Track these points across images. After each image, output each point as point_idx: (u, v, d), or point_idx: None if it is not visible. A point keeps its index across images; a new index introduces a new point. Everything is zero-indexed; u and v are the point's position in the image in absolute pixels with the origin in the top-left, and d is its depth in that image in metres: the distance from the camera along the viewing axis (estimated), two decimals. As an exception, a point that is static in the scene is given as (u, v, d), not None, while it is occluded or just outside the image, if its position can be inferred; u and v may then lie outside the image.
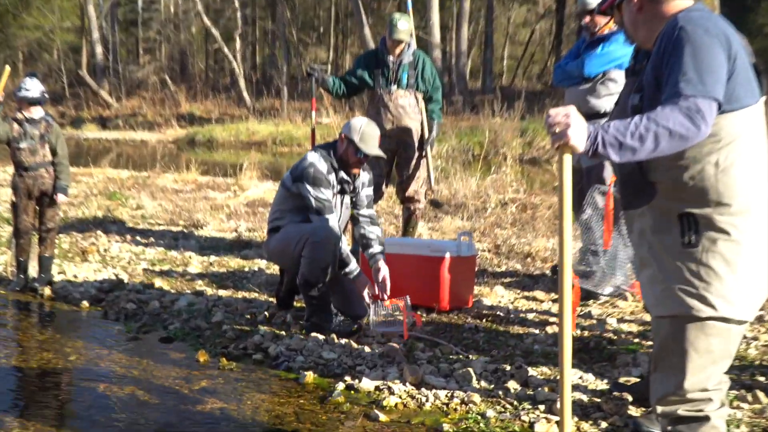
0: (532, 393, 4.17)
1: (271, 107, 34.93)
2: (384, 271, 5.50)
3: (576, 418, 3.84)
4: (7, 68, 6.80)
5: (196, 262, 7.74)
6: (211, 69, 48.75)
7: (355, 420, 3.95)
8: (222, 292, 6.52)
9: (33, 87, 6.77)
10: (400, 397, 4.19)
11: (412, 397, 4.18)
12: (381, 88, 7.14)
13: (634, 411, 3.92)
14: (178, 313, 5.95)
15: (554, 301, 6.23)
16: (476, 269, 6.60)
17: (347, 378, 4.46)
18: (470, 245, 5.97)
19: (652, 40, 2.88)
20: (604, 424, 3.79)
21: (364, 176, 5.80)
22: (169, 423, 3.94)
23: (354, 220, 5.84)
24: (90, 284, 6.83)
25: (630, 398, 4.03)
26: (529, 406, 4.03)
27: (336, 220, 5.43)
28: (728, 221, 2.69)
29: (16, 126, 6.77)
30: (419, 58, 7.20)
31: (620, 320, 5.60)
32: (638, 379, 4.31)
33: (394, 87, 7.13)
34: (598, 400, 4.07)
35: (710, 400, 2.79)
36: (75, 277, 7.14)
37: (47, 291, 6.73)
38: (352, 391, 4.32)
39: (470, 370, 4.44)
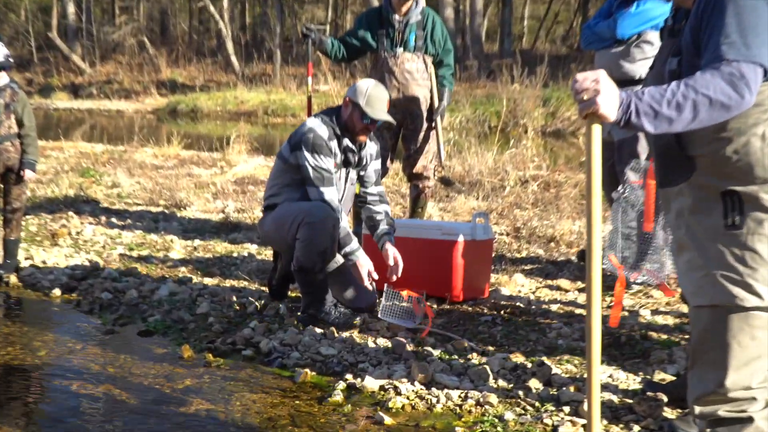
0: (555, 393, 4.18)
1: (263, 73, 34.89)
2: (394, 252, 5.51)
3: (605, 422, 3.84)
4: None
5: (178, 247, 7.75)
6: (195, 30, 48.62)
7: (357, 423, 3.96)
8: (208, 281, 6.53)
9: (-4, 50, 6.75)
10: (408, 397, 4.19)
11: (422, 398, 4.19)
12: (385, 51, 7.11)
13: (669, 413, 3.92)
14: (159, 303, 5.96)
15: (581, 290, 6.23)
16: (493, 255, 6.60)
17: (348, 376, 4.47)
18: (486, 228, 5.97)
19: (691, -2, 2.87)
20: (636, 428, 3.79)
21: (372, 147, 5.79)
22: (148, 426, 3.95)
23: (360, 199, 5.83)
24: (61, 271, 6.84)
25: (665, 399, 4.03)
26: (553, 408, 4.03)
27: (335, 194, 5.41)
28: (777, 200, 2.69)
29: (-24, 94, 6.75)
30: (429, 17, 7.17)
31: (654, 312, 5.60)
32: (674, 378, 4.31)
33: (400, 50, 7.10)
34: (630, 401, 4.08)
35: (754, 400, 2.79)
36: (44, 263, 7.15)
37: (13, 278, 6.74)
38: (354, 391, 4.32)
39: (486, 367, 4.45)
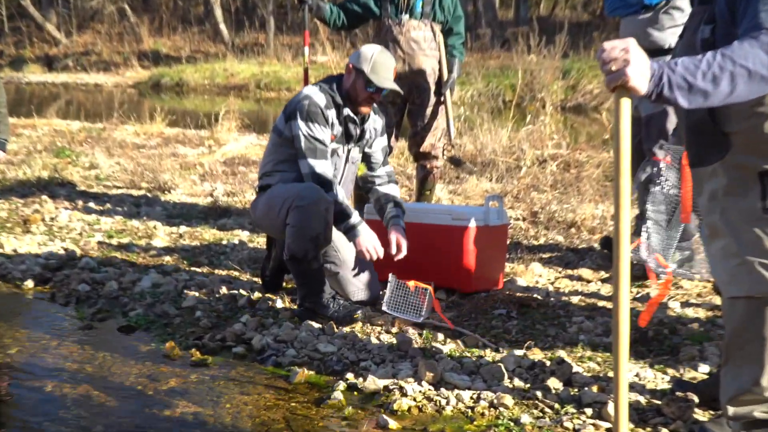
0: (576, 394, 4.18)
1: (255, 43, 34.82)
2: (397, 236, 5.53)
3: (631, 425, 3.84)
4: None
5: (162, 234, 7.75)
6: (181, -4, 48.60)
7: (358, 427, 3.96)
8: (195, 270, 6.53)
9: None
10: (415, 399, 4.19)
11: (430, 399, 4.19)
12: (389, 18, 7.09)
13: (700, 415, 3.92)
14: (141, 296, 5.96)
15: (604, 280, 6.22)
16: (508, 242, 6.60)
17: (349, 376, 4.47)
18: (500, 212, 5.96)
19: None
20: (664, 431, 3.79)
21: (377, 121, 5.78)
22: (130, 431, 3.95)
23: (367, 183, 5.82)
24: (34, 260, 6.84)
25: (696, 399, 4.03)
26: (573, 410, 4.03)
27: (329, 168, 5.40)
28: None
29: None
30: (437, -20, 7.16)
31: (685, 304, 5.60)
32: (706, 376, 4.31)
33: (405, 16, 7.08)
34: (658, 402, 4.07)
35: (794, 400, 2.79)
36: (15, 251, 7.15)
37: (-19, 269, 6.75)
38: (356, 392, 4.33)
39: (501, 365, 4.45)
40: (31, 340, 5.19)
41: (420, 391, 4.25)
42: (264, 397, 4.34)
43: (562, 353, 4.71)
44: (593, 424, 3.85)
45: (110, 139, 14.04)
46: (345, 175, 5.63)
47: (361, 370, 4.57)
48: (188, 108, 22.27)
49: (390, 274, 5.41)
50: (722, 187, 2.83)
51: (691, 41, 3.00)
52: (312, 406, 4.20)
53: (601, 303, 5.69)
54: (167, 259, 6.89)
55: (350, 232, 5.39)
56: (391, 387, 4.31)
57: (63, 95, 27.72)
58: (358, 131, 5.63)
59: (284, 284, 6.03)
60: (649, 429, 3.83)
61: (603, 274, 6.34)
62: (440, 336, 5.03)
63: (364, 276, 5.60)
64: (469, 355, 4.74)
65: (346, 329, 5.14)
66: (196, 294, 5.92)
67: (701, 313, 5.41)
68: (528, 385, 4.32)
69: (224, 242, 7.45)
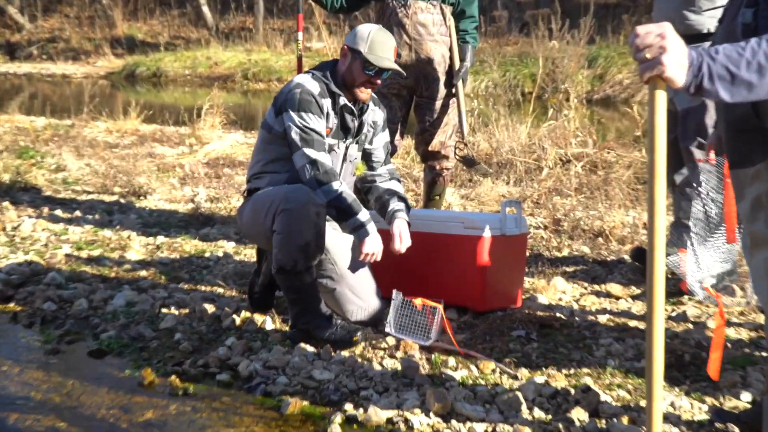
0: (604, 426, 4.18)
1: (242, 27, 34.86)
2: (400, 228, 5.53)
3: (666, 462, 3.84)
4: None
5: (137, 246, 7.76)
6: (158, -25, 48.71)
7: (358, 464, 3.96)
8: (174, 287, 6.53)
9: None
10: (422, 432, 4.19)
11: (438, 433, 4.18)
12: (394, 0, 7.10)
13: (745, 450, 3.91)
14: (114, 315, 5.96)
15: (636, 297, 6.22)
16: (528, 253, 6.60)
17: (348, 407, 4.47)
18: (519, 220, 5.96)
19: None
20: (704, 469, 3.79)
21: (377, 114, 5.78)
22: (102, 469, 3.95)
23: (366, 183, 5.81)
24: (-8, 276, 6.85)
25: (737, 430, 4.02)
26: (601, 445, 4.03)
27: (328, 159, 5.39)
28: None
29: None
30: (447, -43, 7.17)
31: (725, 323, 5.59)
32: (749, 405, 4.31)
33: (411, -2, 7.09)
34: (697, 435, 4.08)
35: None
36: (-28, 266, 7.17)
37: (-66, 286, 6.75)
38: (355, 425, 4.33)
39: (519, 394, 4.44)
40: (-11, 367, 5.19)
41: (428, 424, 4.25)
42: (252, 430, 4.34)
43: (588, 380, 4.71)
44: (623, 461, 3.85)
45: (79, 137, 14.06)
46: (342, 176, 5.61)
47: (361, 400, 4.57)
48: (167, 102, 22.30)
49: (394, 291, 5.41)
50: (766, 191, 2.83)
51: (731, 26, 3.00)
52: (306, 441, 4.21)
53: (632, 323, 5.69)
54: (143, 273, 6.89)
55: (359, 231, 5.37)
56: (395, 419, 4.31)
57: (26, 87, 27.77)
58: (356, 124, 5.62)
59: (275, 302, 6.03)
60: (686, 466, 3.83)
61: (634, 290, 6.35)
62: (451, 361, 5.03)
63: (366, 293, 5.59)
64: (483, 382, 4.74)
65: (345, 353, 5.13)
66: (176, 314, 5.92)
67: (743, 334, 5.41)
68: (549, 417, 4.32)
69: (207, 255, 7.45)
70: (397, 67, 5.56)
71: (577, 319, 5.75)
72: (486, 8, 28.93)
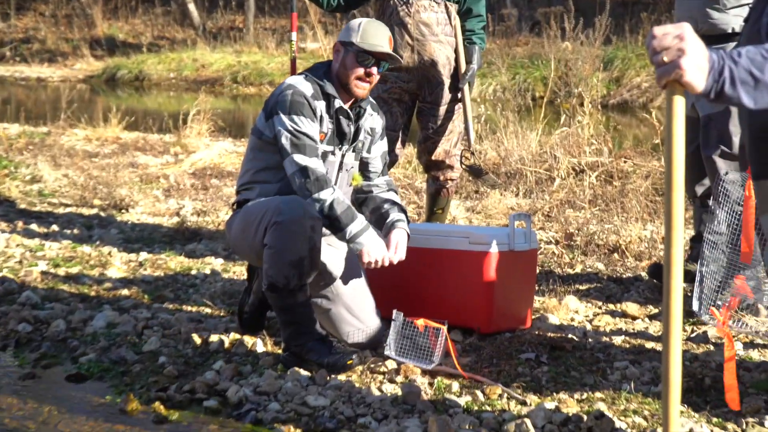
0: (619, 456, 4.19)
1: (231, 27, 34.91)
2: (398, 238, 5.52)
3: (685, 493, 3.86)
4: None
5: (118, 263, 7.77)
6: (141, -30, 48.76)
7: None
8: (158, 307, 6.55)
9: None
10: (424, 462, 4.21)
11: (441, 463, 4.20)
12: (394, -3, 7.13)
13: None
14: (94, 338, 5.98)
15: (653, 317, 6.23)
16: (538, 270, 6.61)
17: (345, 434, 4.48)
18: (528, 234, 5.97)
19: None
20: (726, 502, 3.81)
21: (375, 119, 5.79)
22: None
23: (361, 194, 5.82)
24: (-37, 295, 6.87)
25: (764, 462, 4.05)
26: (615, 476, 4.05)
27: (321, 166, 5.38)
28: None
29: None
30: (452, -49, 7.19)
31: (748, 345, 5.61)
32: (776, 434, 4.32)
33: (414, -5, 7.11)
34: (718, 465, 4.09)
35: None
36: (-59, 284, 7.18)
37: None
38: (352, 454, 4.34)
39: (527, 421, 4.45)
40: (-40, 392, 5.21)
41: (430, 453, 4.26)
42: (242, 460, 4.35)
43: (601, 405, 4.71)
44: (639, 493, 3.87)
45: (56, 146, 14.07)
46: (338, 186, 5.56)
47: (358, 427, 4.58)
48: (150, 107, 22.32)
49: (395, 311, 5.40)
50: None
51: (757, 26, 3.02)
52: (300, 472, 4.22)
53: (649, 344, 5.70)
54: (125, 292, 6.90)
55: (353, 242, 5.35)
56: (395, 448, 4.33)
57: (-1, 92, 27.81)
58: (352, 129, 5.64)
59: (266, 323, 6.04)
60: (706, 498, 3.85)
61: (652, 310, 6.36)
62: (455, 386, 5.04)
63: (364, 313, 5.60)
64: (489, 408, 4.74)
65: (341, 378, 5.13)
66: (160, 335, 5.92)
67: (769, 356, 5.43)
68: (561, 446, 4.34)
69: (193, 272, 7.47)
70: (393, 54, 5.58)
71: (590, 340, 5.77)
72: (494, 6, 28.98)
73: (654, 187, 9.80)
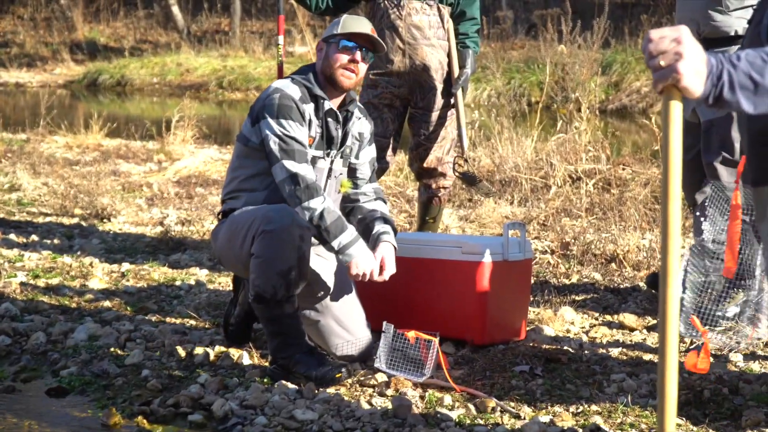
0: (615, 470, 4.21)
1: (216, 30, 34.91)
2: (384, 252, 5.52)
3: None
4: None
5: (100, 273, 7.77)
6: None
7: None
8: (141, 319, 6.56)
9: None
10: (414, 477, 4.23)
11: (433, 478, 4.22)
12: (386, 0, 7.14)
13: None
14: (75, 350, 5.98)
15: (652, 328, 6.26)
16: (533, 281, 6.63)
17: (333, 449, 4.50)
18: (523, 244, 6.00)
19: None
20: None
21: (363, 124, 5.81)
22: None
23: (348, 202, 5.83)
24: (-61, 308, 6.87)
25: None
26: (611, 490, 4.07)
27: (311, 173, 5.41)
28: None
29: None
30: (445, -48, 7.21)
31: (749, 357, 5.63)
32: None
33: (405, -2, 7.13)
34: (717, 479, 4.12)
35: None
36: None
37: None
38: (341, 469, 4.36)
39: (521, 435, 4.48)
40: (-63, 407, 5.21)
41: (421, 468, 4.29)
42: (228, 476, 4.36)
43: (597, 419, 4.74)
44: (635, 508, 3.90)
45: (35, 153, 14.06)
46: (327, 193, 5.56)
47: (348, 442, 4.60)
48: (133, 113, 22.31)
49: (385, 323, 5.41)
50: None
51: (758, 29, 3.04)
52: (287, 487, 4.23)
53: (647, 356, 5.72)
54: (107, 304, 6.90)
55: (342, 254, 5.36)
56: (385, 463, 4.35)
57: (-25, 98, 27.77)
58: (340, 133, 5.66)
59: (253, 335, 6.07)
60: None
61: (650, 321, 6.38)
62: (447, 399, 5.05)
63: (353, 325, 5.62)
64: (482, 422, 4.76)
65: (330, 391, 5.15)
66: (143, 348, 5.93)
67: (770, 368, 5.46)
68: (555, 460, 4.36)
69: (178, 283, 7.47)
70: (376, 37, 5.60)
71: (586, 352, 5.78)
72: (489, 8, 28.98)
73: (653, 195, 9.80)
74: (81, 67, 32.92)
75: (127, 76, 30.21)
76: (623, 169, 10.88)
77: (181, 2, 37.73)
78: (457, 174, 7.61)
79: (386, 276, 5.50)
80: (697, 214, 5.89)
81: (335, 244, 5.34)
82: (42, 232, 9.22)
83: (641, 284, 7.19)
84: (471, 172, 8.02)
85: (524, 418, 4.78)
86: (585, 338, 6.10)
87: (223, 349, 5.85)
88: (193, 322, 6.48)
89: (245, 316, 5.92)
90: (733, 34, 6.07)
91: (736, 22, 6.07)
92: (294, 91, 5.44)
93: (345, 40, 5.49)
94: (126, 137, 15.76)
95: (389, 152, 7.26)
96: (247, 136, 5.54)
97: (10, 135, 16.04)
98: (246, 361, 5.67)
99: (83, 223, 9.61)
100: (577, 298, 6.93)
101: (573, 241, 8.33)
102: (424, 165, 7.33)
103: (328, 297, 5.57)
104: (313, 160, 5.51)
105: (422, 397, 5.08)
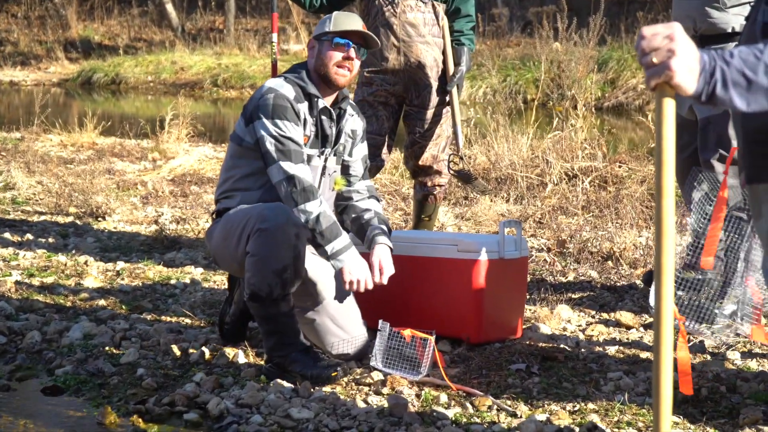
0: (612, 468, 4.21)
1: (210, 28, 34.88)
2: (380, 255, 5.53)
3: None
4: None
5: (95, 272, 7.78)
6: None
7: None
8: (136, 317, 6.56)
9: None
10: (411, 475, 4.23)
11: (429, 476, 4.22)
12: (380, -3, 7.14)
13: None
14: (70, 349, 5.98)
15: (648, 326, 6.26)
16: (529, 279, 6.63)
17: (329, 447, 4.50)
18: (519, 242, 6.00)
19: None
20: None
21: (356, 121, 5.81)
22: None
23: (342, 200, 5.82)
24: (-67, 307, 6.87)
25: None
26: (608, 488, 4.07)
27: (308, 172, 5.41)
28: None
29: None
30: (439, -51, 7.20)
31: (746, 354, 5.64)
32: (774, 446, 4.35)
33: (399, -5, 7.12)
34: (714, 477, 4.12)
35: None
36: None
37: None
38: (337, 468, 4.35)
39: (518, 433, 4.49)
40: (-69, 407, 5.21)
41: (418, 467, 4.28)
42: (223, 475, 4.36)
43: (594, 417, 4.74)
44: (632, 506, 3.90)
45: (30, 152, 14.03)
46: (321, 191, 5.56)
47: (344, 440, 4.60)
48: (127, 112, 22.30)
49: (381, 322, 5.41)
50: (788, 210, 2.86)
51: (754, 26, 3.03)
52: (283, 486, 4.23)
53: (644, 354, 5.72)
54: (102, 303, 6.90)
55: (335, 259, 5.38)
56: (381, 461, 4.34)
57: (-31, 96, 27.74)
58: (334, 131, 5.67)
59: (248, 334, 6.06)
60: None
61: (647, 319, 6.38)
62: (443, 397, 5.04)
63: (349, 324, 5.61)
64: (479, 421, 4.76)
65: (326, 390, 5.15)
66: (138, 347, 5.93)
67: (767, 366, 5.46)
68: (552, 458, 4.36)
69: (173, 282, 7.47)
70: (369, 33, 5.61)
71: (583, 350, 5.79)
72: (484, 5, 28.98)
73: (650, 192, 9.79)
74: (75, 66, 32.89)
75: (121, 75, 30.18)
76: (619, 167, 10.88)
77: (175, 0, 37.71)
78: (452, 172, 7.61)
79: (385, 279, 5.52)
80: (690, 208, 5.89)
81: (328, 248, 5.35)
82: (37, 230, 9.21)
83: (638, 282, 7.20)
84: (466, 169, 8.01)
85: (521, 417, 4.77)
86: (581, 336, 6.10)
87: (218, 347, 5.85)
88: (188, 320, 6.48)
89: (240, 315, 5.91)
90: (729, 31, 6.07)
91: (733, 18, 6.07)
92: (288, 90, 5.44)
93: (338, 38, 5.49)
94: (120, 135, 15.74)
95: (384, 150, 7.25)
96: (240, 136, 5.54)
97: (4, 133, 16.02)
98: (241, 359, 5.66)
99: (78, 222, 9.60)
100: (573, 296, 6.94)
101: (569, 238, 8.34)
102: (420, 163, 7.33)
103: (324, 295, 5.55)
104: (308, 158, 5.51)
105: (418, 396, 5.08)
